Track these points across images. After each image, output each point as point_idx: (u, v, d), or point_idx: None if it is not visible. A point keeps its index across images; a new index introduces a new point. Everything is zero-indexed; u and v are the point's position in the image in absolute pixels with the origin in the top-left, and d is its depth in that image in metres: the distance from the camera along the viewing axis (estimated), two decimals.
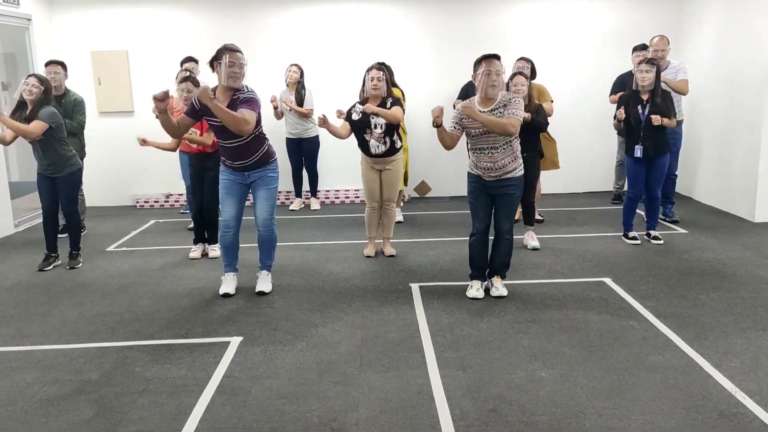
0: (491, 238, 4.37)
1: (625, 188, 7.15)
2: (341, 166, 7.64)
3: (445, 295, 4.37)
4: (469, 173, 4.28)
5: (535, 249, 5.40)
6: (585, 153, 7.87)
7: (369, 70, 4.99)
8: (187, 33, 7.56)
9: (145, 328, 3.92)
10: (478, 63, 4.07)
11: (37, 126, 4.85)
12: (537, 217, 6.18)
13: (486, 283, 4.43)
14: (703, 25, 7.13)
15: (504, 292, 4.31)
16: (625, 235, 5.66)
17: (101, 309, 4.28)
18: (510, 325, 3.83)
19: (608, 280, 4.59)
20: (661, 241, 5.53)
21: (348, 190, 7.82)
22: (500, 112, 4.02)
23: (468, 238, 4.37)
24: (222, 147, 4.25)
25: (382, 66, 5.04)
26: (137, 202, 7.80)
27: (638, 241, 5.54)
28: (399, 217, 6.48)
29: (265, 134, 4.31)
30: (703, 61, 7.09)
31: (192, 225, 6.34)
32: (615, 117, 5.51)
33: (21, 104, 4.95)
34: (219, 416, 2.88)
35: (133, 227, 6.70)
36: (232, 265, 4.53)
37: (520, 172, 4.19)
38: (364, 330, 3.82)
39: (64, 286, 4.79)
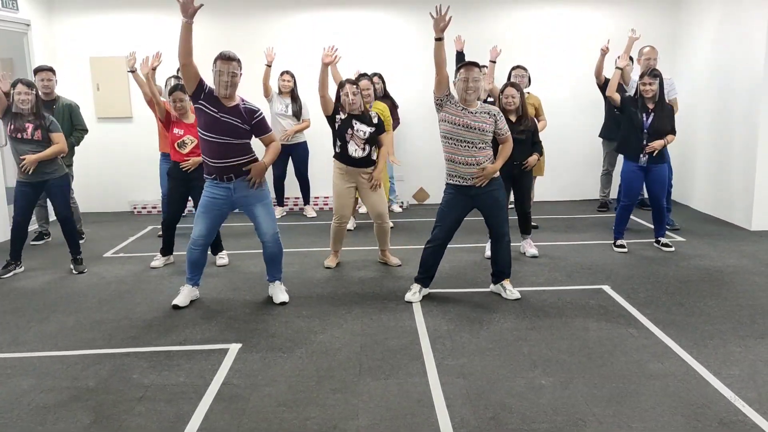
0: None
1: (612, 196, 7.21)
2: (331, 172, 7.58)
3: (444, 303, 4.36)
4: (448, 183, 4.29)
5: (534, 257, 5.38)
6: (581, 160, 7.89)
7: (341, 86, 4.86)
8: None
9: (142, 335, 3.91)
10: (458, 69, 4.20)
11: (62, 138, 4.98)
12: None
13: (495, 287, 4.50)
14: (699, 33, 7.17)
15: (518, 294, 4.39)
16: (615, 243, 5.60)
17: (98, 316, 4.26)
18: (509, 332, 3.83)
19: (607, 288, 4.60)
20: (672, 248, 5.52)
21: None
22: (484, 115, 4.14)
23: (425, 245, 4.40)
24: (205, 142, 4.05)
25: (356, 81, 5.01)
26: (134, 208, 7.78)
27: (626, 250, 5.52)
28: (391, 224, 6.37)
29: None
30: (698, 69, 7.13)
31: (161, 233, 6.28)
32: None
33: (15, 115, 4.86)
34: (217, 424, 2.86)
35: (130, 233, 6.67)
36: (194, 280, 4.42)
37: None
38: (363, 337, 3.81)
39: (61, 292, 4.77)
